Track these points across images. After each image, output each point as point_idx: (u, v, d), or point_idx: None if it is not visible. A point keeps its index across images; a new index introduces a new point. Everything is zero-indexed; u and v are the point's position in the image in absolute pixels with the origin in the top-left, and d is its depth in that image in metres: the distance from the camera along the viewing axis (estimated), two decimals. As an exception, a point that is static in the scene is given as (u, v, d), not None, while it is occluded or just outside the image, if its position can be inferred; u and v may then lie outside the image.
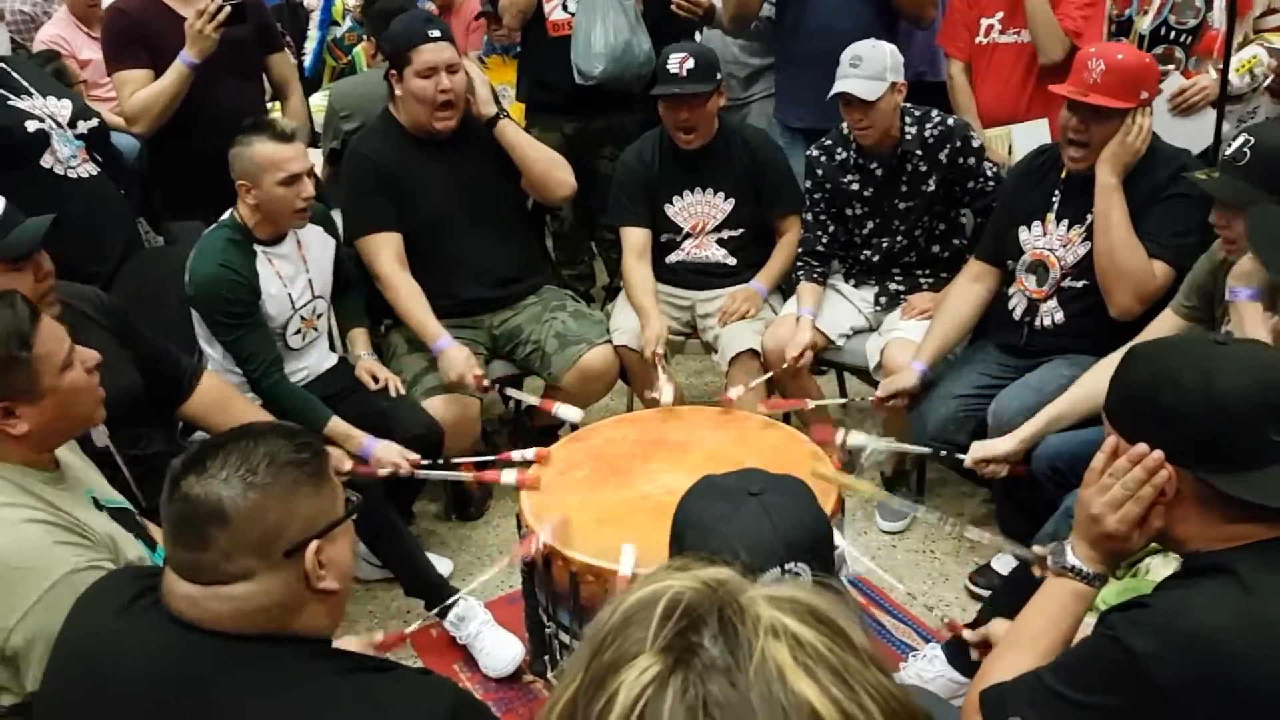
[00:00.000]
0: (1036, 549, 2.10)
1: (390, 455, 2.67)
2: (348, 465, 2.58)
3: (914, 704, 0.67)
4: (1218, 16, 3.08)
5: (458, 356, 2.99)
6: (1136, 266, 2.58)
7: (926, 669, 2.50)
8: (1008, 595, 2.31)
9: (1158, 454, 1.39)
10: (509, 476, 2.50)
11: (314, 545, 1.26)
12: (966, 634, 1.88)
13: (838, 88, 2.96)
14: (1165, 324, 2.49)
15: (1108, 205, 2.60)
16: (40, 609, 1.53)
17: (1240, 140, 2.25)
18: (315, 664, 1.25)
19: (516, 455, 2.63)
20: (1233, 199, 2.23)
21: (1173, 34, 3.14)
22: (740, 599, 0.68)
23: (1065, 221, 2.74)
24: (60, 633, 1.32)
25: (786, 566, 1.36)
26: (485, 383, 3.02)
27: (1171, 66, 3.14)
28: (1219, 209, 2.28)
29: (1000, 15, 3.34)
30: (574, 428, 2.83)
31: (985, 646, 1.81)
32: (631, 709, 0.63)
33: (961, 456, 2.61)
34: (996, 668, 1.50)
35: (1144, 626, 1.32)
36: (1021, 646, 1.51)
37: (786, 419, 3.35)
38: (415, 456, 2.69)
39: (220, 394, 2.55)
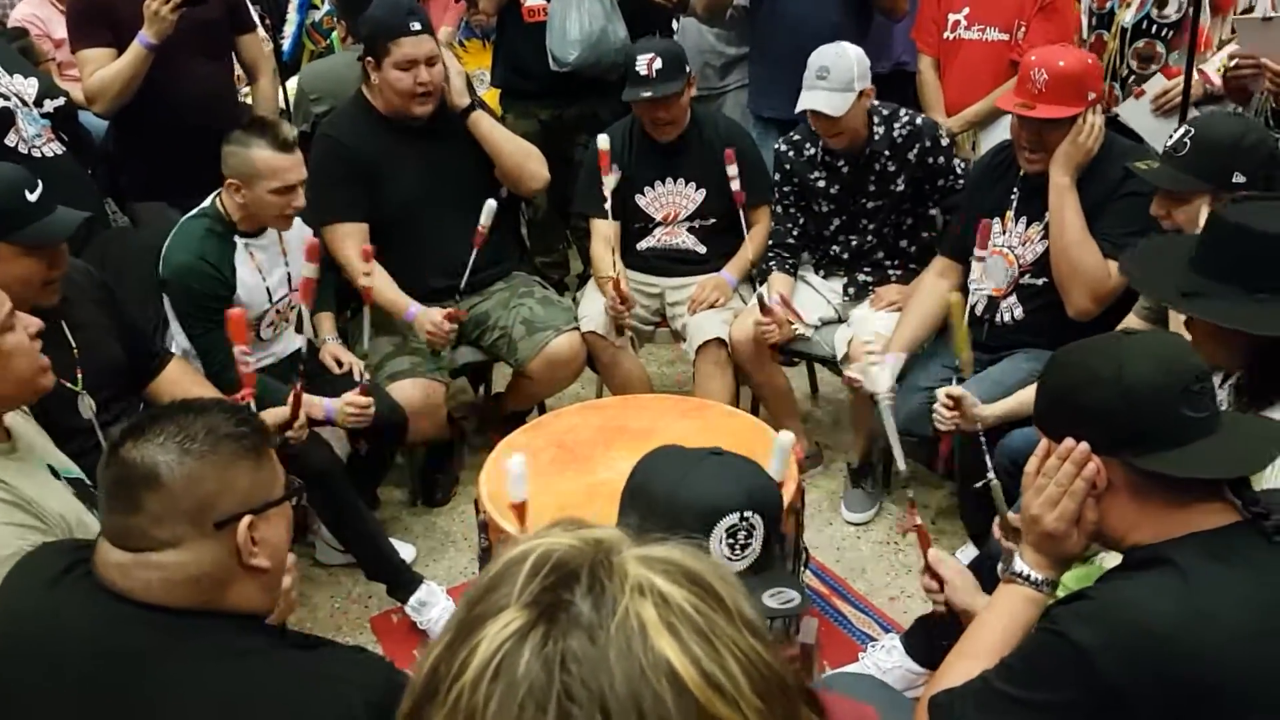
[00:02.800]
0: (1012, 515, 2.10)
1: (345, 400, 2.68)
2: (286, 413, 2.55)
3: (786, 673, 0.67)
4: (1204, 12, 3.07)
5: (426, 314, 3.02)
6: (1091, 266, 2.60)
7: (884, 659, 2.51)
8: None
9: (1084, 446, 1.42)
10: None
11: (247, 520, 1.26)
12: (931, 555, 1.89)
13: (804, 104, 2.94)
14: (1129, 325, 2.50)
15: (1061, 205, 2.61)
16: None
17: (1181, 131, 2.29)
18: (247, 639, 1.25)
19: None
20: (1171, 188, 2.26)
21: (1154, 28, 3.14)
22: (613, 557, 0.67)
23: (1024, 219, 2.76)
24: None
25: (745, 515, 1.46)
26: (462, 316, 3.08)
27: (1153, 65, 3.14)
28: (1159, 199, 2.31)
29: (966, 11, 3.35)
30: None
31: (936, 577, 1.84)
32: (489, 661, 0.63)
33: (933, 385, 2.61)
34: (948, 675, 1.51)
35: (1086, 619, 1.33)
36: (974, 655, 1.51)
37: (755, 410, 3.37)
38: (362, 395, 2.70)
39: (185, 378, 2.56)
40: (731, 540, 1.46)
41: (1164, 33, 3.12)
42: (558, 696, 0.61)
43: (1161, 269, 1.90)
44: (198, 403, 1.31)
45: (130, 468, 1.23)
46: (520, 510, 2.19)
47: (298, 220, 2.86)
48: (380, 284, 3.07)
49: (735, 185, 3.16)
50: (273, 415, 2.54)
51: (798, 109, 2.97)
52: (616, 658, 0.62)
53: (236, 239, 2.73)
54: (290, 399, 2.53)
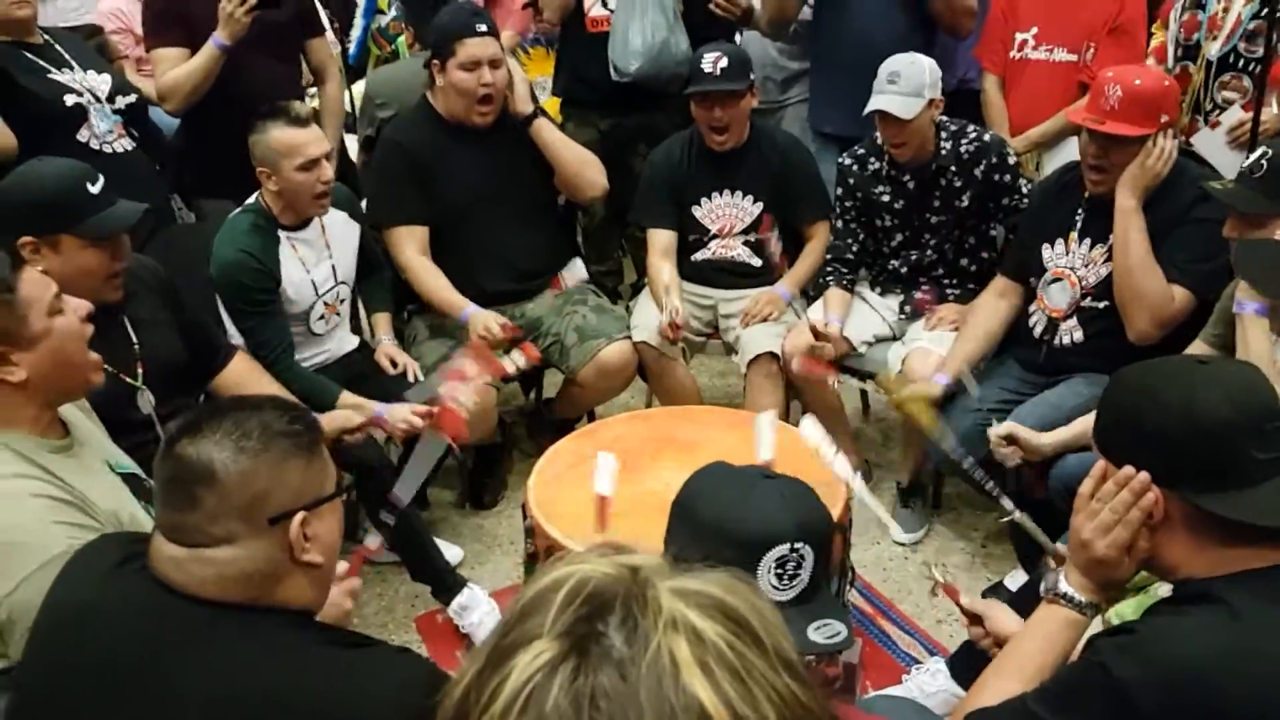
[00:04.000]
0: (1059, 546, 2.07)
1: (402, 414, 2.68)
2: (358, 420, 2.59)
3: (823, 715, 0.65)
4: None
5: (482, 314, 3.04)
6: (1154, 290, 2.55)
7: (929, 682, 2.47)
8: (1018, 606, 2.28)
9: (1144, 476, 1.37)
10: (511, 364, 2.77)
11: (300, 516, 1.28)
12: (964, 600, 1.87)
13: (874, 105, 2.93)
14: (1193, 351, 2.45)
15: (1126, 227, 2.57)
16: (28, 585, 1.52)
17: (1259, 153, 2.24)
18: (291, 634, 1.26)
19: (509, 364, 2.81)
20: (1246, 209, 2.21)
21: (1242, 61, 3.09)
22: (648, 590, 0.65)
23: (1088, 240, 2.71)
24: (46, 597, 1.34)
25: (795, 546, 1.40)
26: (518, 333, 3.07)
27: (1236, 96, 3.09)
28: (1233, 221, 2.26)
29: (1034, 30, 3.32)
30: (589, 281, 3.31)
31: (977, 620, 1.81)
32: (519, 694, 0.62)
33: (994, 426, 2.55)
34: (983, 694, 1.49)
35: (1129, 653, 1.30)
36: (1009, 673, 1.49)
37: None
38: (424, 409, 2.69)
39: (248, 373, 2.59)
40: (780, 571, 1.40)
41: (1251, 67, 3.06)
42: None
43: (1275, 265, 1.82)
44: (252, 400, 1.33)
45: (186, 464, 1.24)
46: (603, 504, 2.21)
47: (343, 215, 2.89)
48: (436, 284, 3.11)
49: (774, 252, 3.22)
50: (339, 420, 2.58)
51: (866, 110, 2.94)
52: (647, 697, 0.60)
53: (280, 233, 2.77)
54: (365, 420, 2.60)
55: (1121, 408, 1.45)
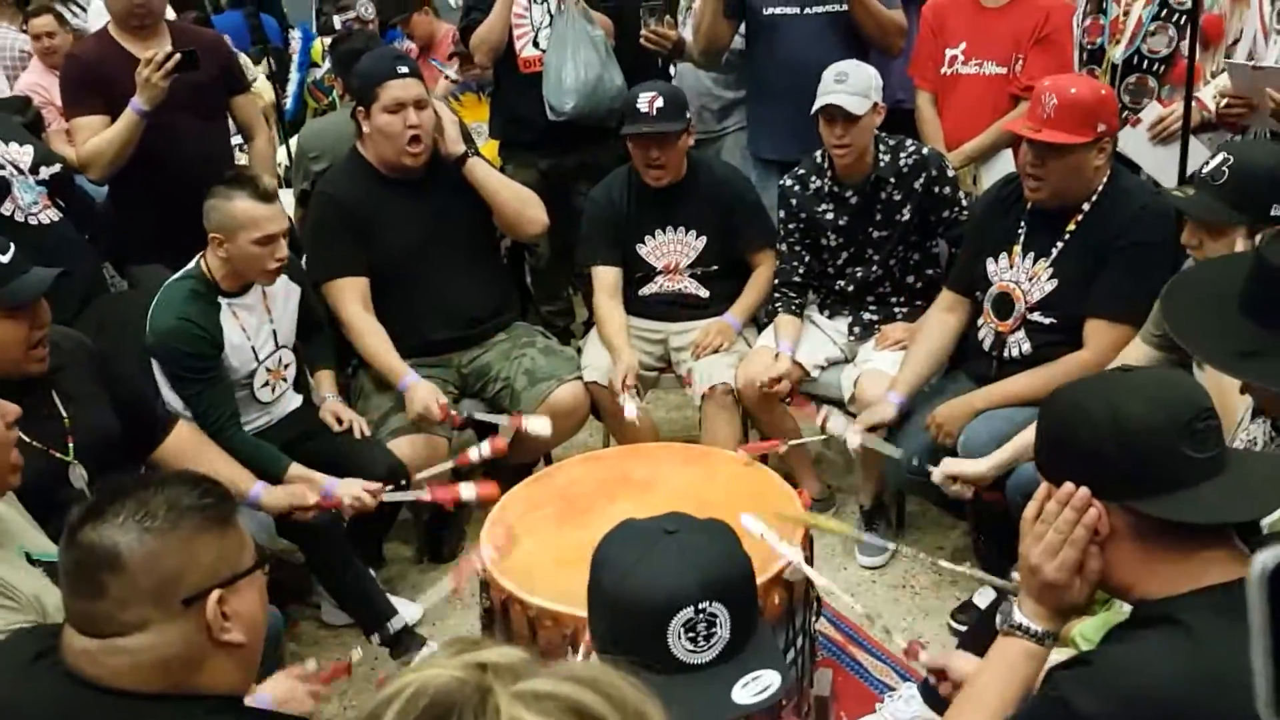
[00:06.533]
0: (1015, 575, 2.04)
1: (352, 491, 2.63)
2: (312, 499, 2.56)
3: None
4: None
5: (421, 390, 2.97)
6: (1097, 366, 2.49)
7: (902, 709, 2.44)
8: (982, 631, 2.25)
9: (1083, 491, 1.35)
10: (468, 491, 2.59)
11: (216, 595, 1.22)
12: (923, 657, 1.83)
13: (824, 101, 2.92)
14: (1134, 352, 2.43)
15: None
16: None
17: (1219, 159, 2.19)
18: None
19: (474, 453, 2.74)
20: (1208, 219, 2.17)
21: (1145, 63, 3.12)
22: (490, 696, 0.61)
23: (1031, 255, 2.70)
24: None
25: (701, 607, 1.30)
26: (453, 413, 3.00)
27: (1145, 98, 3.12)
28: (1192, 228, 2.23)
29: (963, 46, 3.33)
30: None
31: (941, 674, 1.76)
32: None
33: (932, 469, 2.57)
34: None
35: (1088, 685, 1.27)
36: (971, 712, 1.45)
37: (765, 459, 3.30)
38: (376, 486, 2.66)
39: (192, 443, 2.53)
40: (691, 634, 1.30)
41: (1155, 67, 3.12)
42: None
43: (1209, 318, 1.68)
44: (158, 476, 1.28)
45: (89, 551, 1.19)
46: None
47: (283, 279, 2.83)
48: (377, 346, 3.05)
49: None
50: (291, 498, 2.54)
51: (815, 107, 2.93)
52: None
53: (220, 300, 2.71)
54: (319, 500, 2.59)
55: (1053, 429, 1.44)
